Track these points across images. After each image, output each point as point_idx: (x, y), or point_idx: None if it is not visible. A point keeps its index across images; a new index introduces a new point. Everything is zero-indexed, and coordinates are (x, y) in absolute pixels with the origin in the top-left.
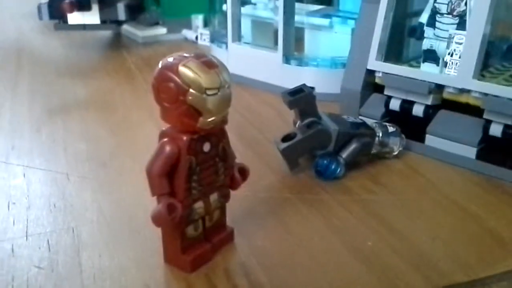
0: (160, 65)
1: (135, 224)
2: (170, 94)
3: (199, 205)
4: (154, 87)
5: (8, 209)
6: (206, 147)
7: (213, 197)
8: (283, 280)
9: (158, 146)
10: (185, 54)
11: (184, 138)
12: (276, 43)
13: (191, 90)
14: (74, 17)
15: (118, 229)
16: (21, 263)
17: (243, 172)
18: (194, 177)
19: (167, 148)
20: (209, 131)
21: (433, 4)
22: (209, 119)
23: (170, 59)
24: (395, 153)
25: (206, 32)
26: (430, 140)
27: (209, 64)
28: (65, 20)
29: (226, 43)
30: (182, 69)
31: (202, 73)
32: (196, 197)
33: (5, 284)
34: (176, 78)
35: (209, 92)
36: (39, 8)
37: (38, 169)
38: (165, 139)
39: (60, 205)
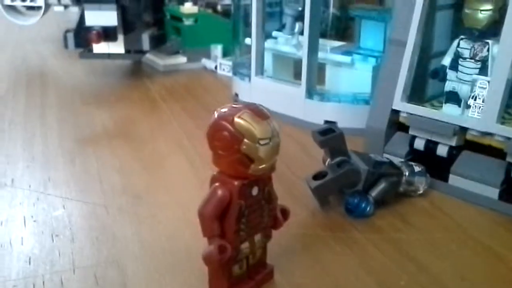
0: (215, 115)
1: (177, 259)
2: (225, 143)
3: (245, 246)
4: (209, 135)
5: (53, 241)
6: (255, 191)
7: (257, 237)
8: None
9: (210, 190)
10: (238, 105)
11: (236, 183)
12: (296, 77)
13: (245, 140)
14: (100, 46)
15: (162, 263)
16: None
17: (285, 213)
18: (243, 219)
19: (219, 192)
20: (258, 176)
21: (456, 49)
22: (260, 167)
23: (225, 110)
24: (421, 191)
25: (225, 62)
26: (454, 180)
27: (262, 115)
28: (90, 49)
29: (248, 76)
30: (237, 120)
31: (256, 124)
32: (243, 238)
33: None
34: (232, 128)
35: (261, 142)
36: (65, 37)
37: (76, 200)
38: (217, 184)
39: (102, 238)
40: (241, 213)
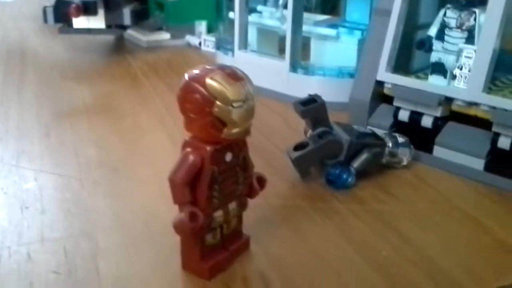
0: (186, 77)
1: (152, 231)
2: (196, 105)
3: (219, 214)
4: (180, 97)
5: (22, 213)
6: (228, 157)
7: (232, 205)
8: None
9: (181, 155)
10: (210, 67)
11: (208, 148)
12: (281, 51)
13: (217, 102)
14: (79, 21)
15: (135, 235)
16: (38, 268)
17: (261, 181)
18: (216, 186)
19: (191, 158)
20: (232, 141)
21: (442, 18)
22: (234, 130)
23: (196, 71)
24: (404, 163)
25: (210, 39)
26: (439, 151)
27: (235, 77)
28: (70, 24)
29: (232, 50)
30: (209, 81)
31: (228, 85)
32: (217, 205)
33: None
34: (203, 90)
35: (234, 104)
36: (44, 11)
37: (49, 173)
38: (189, 149)
39: (75, 211)
40: (214, 180)
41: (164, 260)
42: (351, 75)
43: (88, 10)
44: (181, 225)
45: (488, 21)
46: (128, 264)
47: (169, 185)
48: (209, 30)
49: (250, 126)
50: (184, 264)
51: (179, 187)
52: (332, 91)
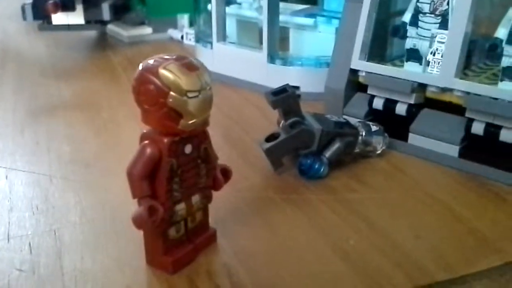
0: (140, 67)
1: (118, 226)
2: (150, 97)
3: (181, 207)
4: (134, 89)
5: None
6: (188, 149)
7: (195, 198)
8: (266, 281)
9: (139, 148)
10: (166, 56)
11: (165, 140)
12: (261, 42)
13: (171, 93)
14: (58, 18)
15: (101, 231)
16: (2, 266)
17: (226, 173)
18: (176, 179)
19: (148, 151)
20: (190, 133)
21: (416, 4)
22: (190, 121)
23: (151, 61)
24: (379, 152)
25: (192, 32)
26: (413, 138)
27: (190, 67)
28: (49, 20)
29: (211, 43)
30: (162, 71)
31: (182, 75)
32: (178, 199)
33: None
34: (156, 81)
35: (190, 94)
36: (23, 8)
37: (20, 171)
38: (146, 142)
39: (42, 207)
40: (173, 172)
41: (129, 255)
42: (329, 65)
43: (66, 6)
44: (140, 219)
45: (459, 4)
46: (92, 260)
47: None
48: (191, 24)
49: (208, 117)
50: (148, 259)
51: (137, 181)
52: (310, 81)
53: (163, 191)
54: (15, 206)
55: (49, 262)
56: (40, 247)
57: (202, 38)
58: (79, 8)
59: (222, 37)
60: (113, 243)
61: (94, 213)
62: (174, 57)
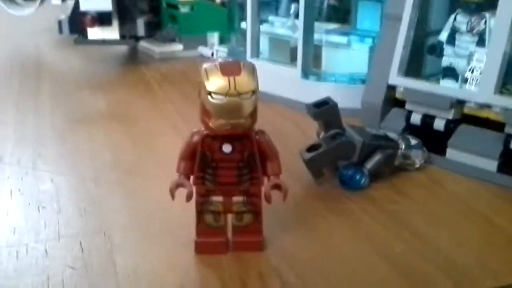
0: None
1: (165, 228)
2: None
3: (217, 199)
4: None
5: (39, 212)
6: (227, 148)
7: (237, 199)
8: (314, 282)
9: None
10: (222, 59)
11: (204, 133)
12: (293, 60)
13: (201, 90)
14: (94, 32)
15: (150, 232)
16: (55, 264)
17: (278, 188)
18: (209, 170)
19: (189, 138)
20: (229, 134)
21: (453, 23)
22: (217, 121)
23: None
24: (417, 165)
25: (222, 49)
26: (452, 153)
27: (226, 71)
28: (85, 34)
29: (244, 59)
30: (202, 68)
31: (211, 76)
32: (212, 189)
33: (41, 283)
34: (201, 75)
35: (214, 96)
36: (59, 22)
37: (65, 175)
38: (194, 130)
39: (90, 210)
40: (205, 163)
41: (178, 255)
42: (362, 81)
43: (103, 21)
44: (170, 189)
45: (498, 24)
46: (143, 259)
47: None
48: (221, 41)
49: (239, 124)
50: None
51: (178, 159)
52: (343, 97)
53: (195, 175)
54: (63, 207)
55: (101, 261)
56: (91, 246)
57: (235, 55)
58: (115, 23)
59: (256, 53)
60: (162, 244)
61: (141, 215)
62: (224, 59)
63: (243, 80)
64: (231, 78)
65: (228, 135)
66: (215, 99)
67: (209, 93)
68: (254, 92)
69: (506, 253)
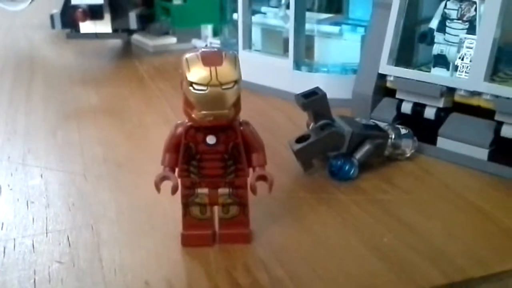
0: None
1: (153, 222)
2: (179, 80)
3: (203, 191)
4: None
5: (27, 207)
6: (211, 140)
7: (223, 191)
8: (302, 275)
9: None
10: (205, 48)
11: (187, 124)
12: (285, 50)
13: (184, 80)
14: (86, 26)
15: (137, 226)
16: (42, 258)
17: (263, 179)
18: (194, 162)
19: (173, 129)
20: (213, 125)
21: (443, 10)
22: (199, 113)
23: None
24: (408, 155)
25: (216, 41)
26: (442, 142)
27: (208, 61)
28: (77, 29)
29: (237, 51)
30: (183, 59)
31: (192, 67)
32: (197, 181)
33: (27, 278)
34: (182, 66)
35: (195, 86)
36: (51, 17)
37: (55, 170)
38: (178, 122)
39: (78, 204)
40: (190, 155)
41: (166, 249)
42: (355, 71)
43: (94, 14)
44: (155, 182)
45: (487, 10)
46: (130, 253)
47: None
48: (215, 34)
49: (222, 114)
50: None
51: (162, 152)
52: (336, 87)
53: (180, 168)
54: (51, 202)
55: (88, 255)
56: (79, 241)
57: (228, 46)
58: (107, 17)
59: (248, 45)
60: (150, 237)
61: (129, 209)
62: (210, 49)
63: (225, 70)
64: (213, 68)
65: (212, 126)
66: (197, 90)
67: (191, 83)
68: (236, 82)
69: (496, 242)
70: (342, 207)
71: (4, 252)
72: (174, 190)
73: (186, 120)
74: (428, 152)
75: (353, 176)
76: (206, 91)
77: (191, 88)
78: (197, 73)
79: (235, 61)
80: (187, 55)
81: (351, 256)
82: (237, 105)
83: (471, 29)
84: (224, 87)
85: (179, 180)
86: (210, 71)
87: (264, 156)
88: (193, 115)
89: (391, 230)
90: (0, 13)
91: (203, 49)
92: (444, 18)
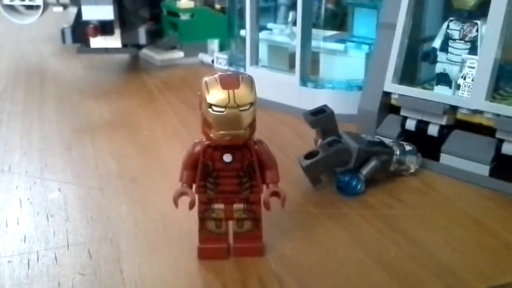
0: None
1: (170, 235)
2: (199, 101)
3: (218, 207)
4: None
5: (48, 221)
6: (227, 158)
7: (238, 207)
8: (312, 287)
9: None
10: (222, 72)
11: (205, 143)
12: (291, 67)
13: (203, 102)
14: (97, 41)
15: (154, 239)
16: (65, 271)
17: (276, 195)
18: (210, 179)
19: (191, 148)
20: (229, 144)
21: (446, 30)
22: (217, 132)
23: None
24: (412, 170)
25: (222, 56)
26: (445, 158)
27: (225, 84)
28: (88, 43)
29: (244, 67)
30: (203, 81)
31: (211, 89)
32: (213, 197)
33: None
34: (201, 87)
35: (214, 108)
36: (62, 32)
37: (72, 184)
38: (196, 141)
39: (96, 218)
40: (207, 173)
41: (183, 261)
42: (360, 88)
43: (105, 30)
44: (173, 198)
45: (489, 31)
46: (149, 265)
47: None
48: (221, 48)
49: (238, 134)
50: None
51: (181, 168)
52: (341, 104)
53: (197, 184)
54: (70, 216)
55: (109, 267)
56: (99, 253)
57: (235, 62)
58: (117, 32)
59: (255, 61)
60: (167, 250)
61: (146, 223)
62: (224, 72)
63: (242, 93)
64: (231, 91)
65: (228, 145)
66: (215, 111)
67: (210, 105)
68: (252, 104)
69: (497, 256)
70: (349, 221)
71: (28, 264)
72: (191, 206)
73: (204, 139)
74: (431, 168)
75: (360, 191)
76: (224, 113)
77: (210, 109)
78: (216, 95)
79: (251, 84)
80: (206, 78)
81: (358, 269)
82: (252, 125)
83: (473, 49)
84: (241, 108)
85: (196, 196)
86: (228, 93)
87: (277, 173)
88: (211, 135)
89: (397, 244)
90: (10, 27)
91: (221, 73)
92: (447, 38)
